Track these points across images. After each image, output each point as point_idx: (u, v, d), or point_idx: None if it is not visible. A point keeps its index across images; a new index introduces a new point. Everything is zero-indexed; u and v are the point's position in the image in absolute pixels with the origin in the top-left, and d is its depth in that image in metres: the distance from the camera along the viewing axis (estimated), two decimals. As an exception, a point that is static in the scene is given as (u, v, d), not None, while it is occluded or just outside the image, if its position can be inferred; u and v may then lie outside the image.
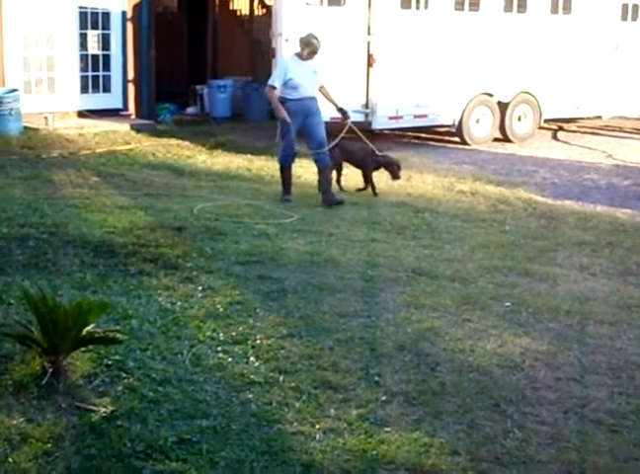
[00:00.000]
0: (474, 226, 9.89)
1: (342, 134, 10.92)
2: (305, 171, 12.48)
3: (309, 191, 11.07)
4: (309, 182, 11.55)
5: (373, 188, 11.28)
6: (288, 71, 10.41)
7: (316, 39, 10.52)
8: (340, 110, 10.77)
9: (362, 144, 11.44)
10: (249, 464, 4.30)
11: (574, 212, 10.82)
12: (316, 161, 10.73)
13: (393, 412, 4.95)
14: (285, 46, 14.21)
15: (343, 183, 11.56)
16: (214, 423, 4.67)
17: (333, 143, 10.82)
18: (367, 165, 11.30)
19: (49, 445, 4.32)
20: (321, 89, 10.65)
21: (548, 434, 4.80)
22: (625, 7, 17.81)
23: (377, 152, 11.34)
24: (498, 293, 7.25)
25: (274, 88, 10.45)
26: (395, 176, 11.38)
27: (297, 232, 9.13)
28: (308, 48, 10.46)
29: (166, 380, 5.15)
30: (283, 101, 10.40)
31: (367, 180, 11.35)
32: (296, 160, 13.28)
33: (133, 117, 17.15)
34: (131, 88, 17.30)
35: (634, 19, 17.97)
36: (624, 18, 17.86)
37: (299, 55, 10.56)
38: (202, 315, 6.28)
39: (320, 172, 10.73)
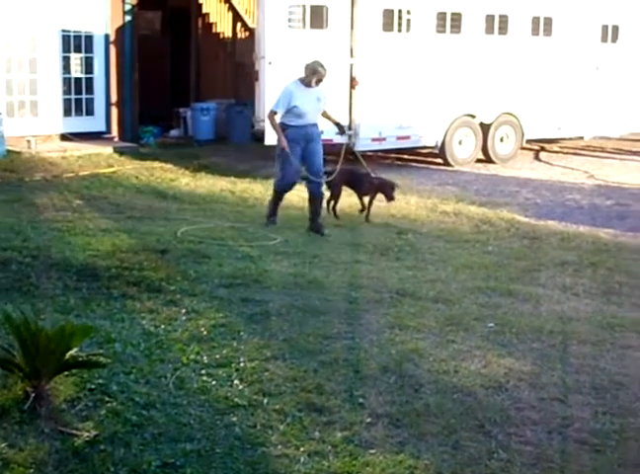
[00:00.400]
0: (457, 247, 9.92)
1: (341, 159, 10.77)
2: (289, 193, 12.48)
3: (292, 212, 11.09)
4: (293, 203, 11.56)
5: (369, 212, 11.22)
6: (293, 98, 10.18)
7: (322, 66, 10.31)
8: (337, 124, 10.68)
9: (361, 168, 11.40)
10: (233, 488, 4.28)
11: (556, 232, 10.86)
12: (310, 189, 10.55)
13: (378, 434, 4.94)
14: (268, 69, 14.28)
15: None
16: (198, 446, 4.65)
17: (336, 173, 10.73)
18: (367, 189, 11.22)
19: (32, 471, 4.29)
20: (323, 113, 10.58)
21: (532, 455, 4.80)
22: (605, 28, 17.96)
23: (372, 174, 11.33)
24: (481, 314, 7.27)
25: (275, 113, 10.27)
26: (390, 198, 11.27)
27: (281, 254, 9.13)
28: (315, 76, 10.25)
29: (150, 404, 5.13)
30: (284, 127, 10.21)
31: (369, 203, 11.25)
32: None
33: (117, 140, 17.16)
34: (114, 111, 17.32)
35: (614, 40, 18.10)
36: (604, 39, 17.99)
37: (303, 82, 10.32)
38: (186, 338, 6.27)
39: (312, 200, 10.54)
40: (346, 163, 11.21)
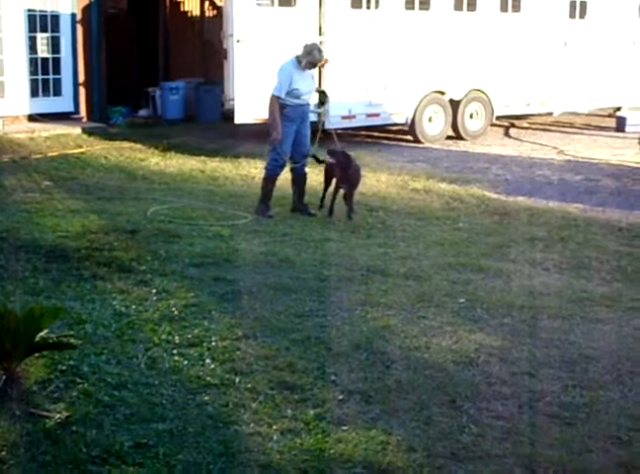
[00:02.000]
0: (428, 224, 9.95)
1: (317, 139, 10.49)
2: (259, 171, 12.46)
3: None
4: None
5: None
6: (293, 81, 9.98)
7: (320, 51, 10.12)
8: (322, 92, 10.58)
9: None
10: (206, 467, 4.29)
11: (526, 208, 10.92)
12: (296, 170, 10.32)
13: (350, 410, 4.96)
14: (237, 47, 14.19)
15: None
16: (171, 426, 4.66)
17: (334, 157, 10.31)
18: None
19: (4, 453, 4.28)
20: None
21: (503, 429, 4.85)
22: (573, 4, 17.99)
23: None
24: (452, 290, 7.31)
25: (278, 98, 9.96)
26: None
27: (252, 233, 9.12)
28: (308, 58, 10.04)
29: (121, 384, 5.13)
30: (283, 105, 9.98)
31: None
32: (250, 161, 13.36)
33: (85, 120, 17.03)
34: (82, 91, 17.17)
35: (582, 16, 18.15)
36: (572, 15, 18.03)
37: (299, 62, 10.07)
38: (157, 318, 6.26)
39: (296, 181, 10.36)
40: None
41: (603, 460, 4.61)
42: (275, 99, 10.00)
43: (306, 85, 10.15)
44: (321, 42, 14.81)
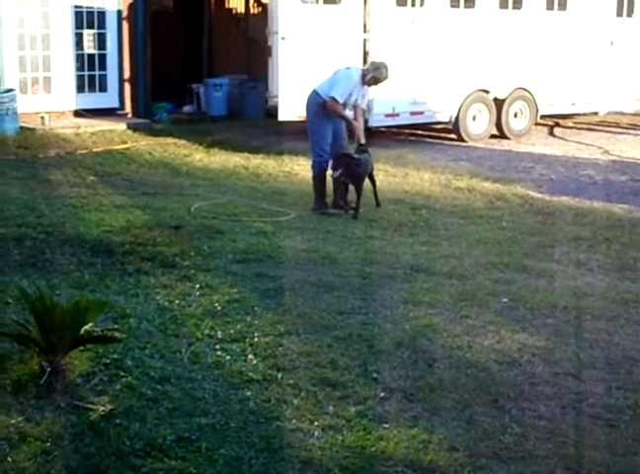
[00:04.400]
0: (471, 223, 9.90)
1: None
2: (302, 168, 12.49)
3: (306, 189, 11.06)
4: (306, 179, 11.54)
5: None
6: (353, 93, 10.01)
7: (387, 69, 10.14)
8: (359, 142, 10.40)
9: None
10: (248, 462, 4.30)
11: (571, 208, 10.83)
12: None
13: (391, 408, 4.95)
14: (282, 45, 14.22)
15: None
16: (213, 420, 4.68)
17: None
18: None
19: (48, 444, 4.32)
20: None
21: (546, 429, 4.81)
22: (621, 2, 17.81)
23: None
24: (495, 289, 7.26)
25: (337, 102, 9.92)
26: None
27: (294, 230, 9.13)
28: (375, 73, 10.06)
29: (164, 378, 5.16)
30: (323, 102, 9.97)
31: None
32: (293, 158, 13.38)
33: (130, 116, 17.15)
34: (128, 87, 17.30)
35: (629, 14, 17.96)
36: (620, 13, 17.85)
37: (364, 76, 10.08)
38: (200, 313, 6.29)
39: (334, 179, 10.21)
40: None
41: (648, 463, 4.56)
42: (335, 103, 9.95)
43: (359, 100, 10.19)
44: (365, 40, 14.91)
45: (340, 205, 10.22)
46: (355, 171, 10.02)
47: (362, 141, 10.30)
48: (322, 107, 10.03)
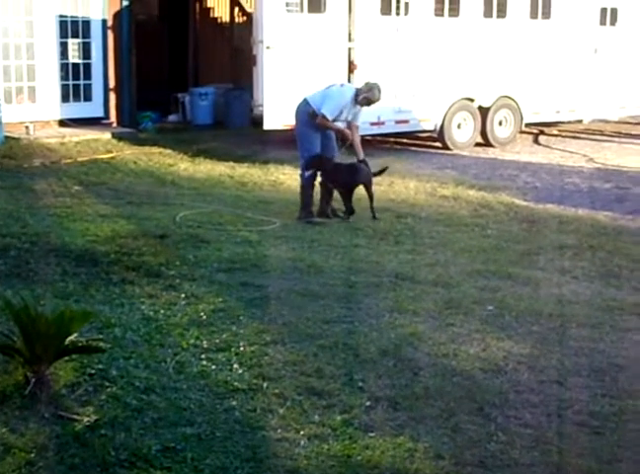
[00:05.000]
0: (456, 231, 9.92)
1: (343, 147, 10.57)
2: (288, 177, 12.50)
3: (291, 197, 11.07)
4: (292, 188, 11.56)
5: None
6: (345, 110, 10.11)
7: (380, 91, 10.20)
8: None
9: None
10: (233, 471, 4.30)
11: (556, 216, 10.86)
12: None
13: (377, 417, 4.96)
14: (267, 54, 14.23)
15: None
16: (198, 430, 4.67)
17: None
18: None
19: (33, 455, 4.30)
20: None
21: (532, 437, 4.82)
22: (604, 11, 17.91)
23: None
24: (480, 297, 7.28)
25: (327, 119, 10.01)
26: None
27: (280, 239, 9.13)
28: (368, 94, 10.12)
29: (150, 388, 5.14)
30: (314, 115, 10.02)
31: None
32: (278, 167, 13.38)
33: (115, 125, 17.12)
34: (113, 96, 17.26)
35: (613, 23, 18.06)
36: (603, 22, 17.94)
37: (356, 96, 10.13)
38: (186, 323, 6.28)
39: (323, 185, 10.38)
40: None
41: (633, 470, 4.58)
42: (325, 120, 10.03)
43: (350, 117, 10.27)
44: (350, 49, 14.94)
45: (326, 214, 10.24)
46: (336, 176, 10.12)
47: (361, 157, 10.37)
48: (311, 116, 10.07)
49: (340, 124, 10.31)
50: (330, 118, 10.04)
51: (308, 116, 10.12)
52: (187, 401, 5.02)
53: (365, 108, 10.40)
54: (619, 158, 15.69)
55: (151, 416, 4.80)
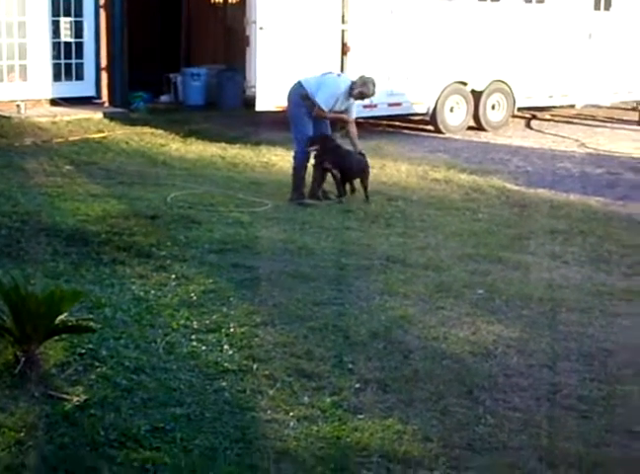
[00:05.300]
0: (448, 214, 9.93)
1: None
2: (280, 159, 12.48)
3: (283, 179, 11.05)
4: (284, 170, 11.54)
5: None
6: (339, 101, 10.13)
7: (374, 86, 10.22)
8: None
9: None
10: (223, 452, 4.31)
11: (547, 200, 10.88)
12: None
13: (367, 399, 4.97)
14: (260, 34, 14.17)
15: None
16: (188, 411, 4.68)
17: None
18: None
19: (22, 434, 4.31)
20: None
21: (520, 421, 4.85)
22: (598, -4, 17.89)
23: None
24: (471, 281, 7.29)
25: (323, 110, 10.03)
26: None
27: (271, 220, 9.13)
28: (362, 88, 10.13)
29: (139, 369, 5.15)
30: (308, 98, 10.01)
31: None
32: (270, 148, 13.36)
33: (106, 105, 17.04)
34: (104, 76, 17.17)
35: (607, 8, 18.02)
36: (597, 7, 17.90)
37: (351, 89, 10.13)
38: (176, 303, 6.28)
39: (316, 167, 10.36)
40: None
41: (620, 454, 4.60)
42: (321, 111, 10.06)
43: (343, 108, 10.27)
44: (343, 31, 14.89)
45: (317, 196, 10.24)
46: (335, 158, 10.14)
47: (359, 149, 10.44)
48: (304, 98, 10.07)
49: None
50: (326, 109, 10.06)
51: (301, 98, 10.11)
52: (176, 381, 5.02)
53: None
54: (611, 143, 15.70)
55: (141, 396, 4.81)
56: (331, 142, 10.25)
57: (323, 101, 10.03)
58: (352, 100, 10.32)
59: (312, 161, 10.27)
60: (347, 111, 10.36)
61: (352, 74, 13.82)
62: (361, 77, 10.32)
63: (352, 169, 10.35)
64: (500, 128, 16.82)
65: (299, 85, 10.25)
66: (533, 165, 13.45)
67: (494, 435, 4.66)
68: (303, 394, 4.98)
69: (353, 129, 10.48)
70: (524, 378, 5.43)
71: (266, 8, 14.22)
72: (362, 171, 10.40)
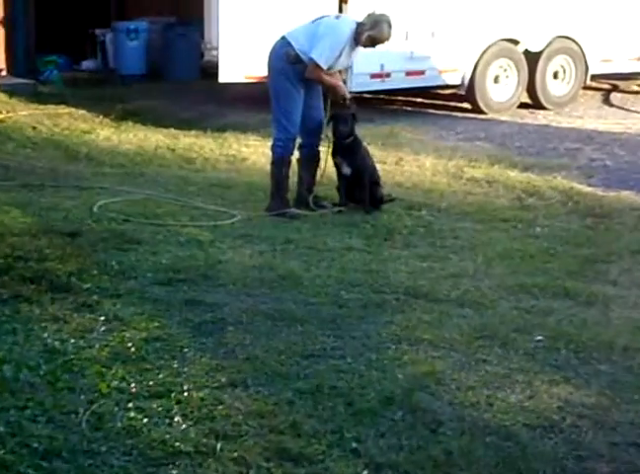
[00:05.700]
0: (491, 229, 9.96)
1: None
2: (253, 151, 12.51)
3: (257, 180, 11.08)
4: (258, 166, 11.57)
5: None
6: (342, 56, 10.08)
7: (390, 27, 10.15)
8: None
9: None
10: None
11: (634, 208, 10.91)
12: (304, 149, 10.46)
13: (379, 493, 4.98)
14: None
15: None
16: (123, 514, 4.68)
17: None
18: None
19: None
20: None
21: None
22: None
23: None
24: (525, 323, 7.30)
25: (321, 69, 10.01)
26: None
27: (242, 238, 9.15)
28: (373, 32, 10.07)
29: (53, 452, 5.12)
30: (297, 60, 9.99)
31: None
32: (239, 136, 13.39)
33: (4, 74, 17.10)
34: (1, 34, 17.23)
35: None
36: None
37: (358, 34, 10.06)
38: (106, 358, 6.28)
39: (303, 164, 10.49)
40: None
41: None
42: (317, 71, 10.01)
43: (348, 63, 10.43)
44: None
45: (306, 203, 10.24)
46: (357, 153, 10.39)
47: (348, 96, 10.44)
48: (292, 61, 9.99)
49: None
50: (325, 66, 10.00)
51: (287, 60, 10.04)
52: (107, 470, 5.01)
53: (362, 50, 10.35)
54: None
55: (55, 493, 4.81)
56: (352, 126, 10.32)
57: (323, 57, 9.94)
58: (358, 48, 10.28)
59: (297, 155, 10.25)
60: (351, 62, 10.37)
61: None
62: (370, 15, 10.16)
63: (369, 173, 10.40)
64: (566, 106, 16.90)
65: (284, 42, 10.12)
66: (614, 157, 13.50)
67: None
68: (288, 486, 4.98)
69: (338, 77, 10.51)
70: (605, 462, 5.43)
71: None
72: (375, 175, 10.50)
